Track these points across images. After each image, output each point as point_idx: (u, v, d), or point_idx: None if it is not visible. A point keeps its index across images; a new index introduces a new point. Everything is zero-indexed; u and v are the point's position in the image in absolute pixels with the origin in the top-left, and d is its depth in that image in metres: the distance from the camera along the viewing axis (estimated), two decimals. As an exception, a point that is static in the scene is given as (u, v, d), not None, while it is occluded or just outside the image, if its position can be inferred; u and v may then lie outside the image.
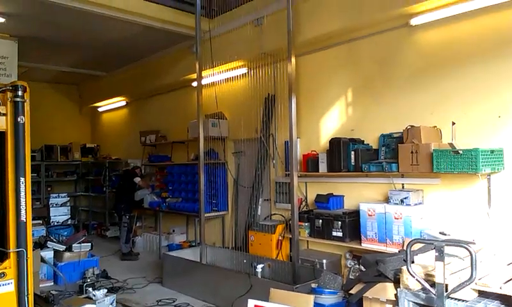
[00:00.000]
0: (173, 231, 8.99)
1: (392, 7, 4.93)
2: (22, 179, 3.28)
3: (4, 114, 3.26)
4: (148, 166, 10.19)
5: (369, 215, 4.93)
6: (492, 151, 4.20)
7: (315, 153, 5.99)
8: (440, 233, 4.46)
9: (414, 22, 4.99)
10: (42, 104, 10.34)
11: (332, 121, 6.12)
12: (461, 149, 4.15)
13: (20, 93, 3.28)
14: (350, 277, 5.15)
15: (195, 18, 6.91)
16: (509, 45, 4.30)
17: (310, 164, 5.89)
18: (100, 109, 12.45)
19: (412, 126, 4.74)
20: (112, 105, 11.82)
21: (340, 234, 5.28)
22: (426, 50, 5.03)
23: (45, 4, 5.98)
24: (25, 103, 3.34)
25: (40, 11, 6.43)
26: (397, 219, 4.66)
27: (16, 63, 7.37)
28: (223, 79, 7.12)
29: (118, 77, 10.69)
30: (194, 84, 7.49)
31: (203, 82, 7.07)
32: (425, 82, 5.00)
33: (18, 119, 3.28)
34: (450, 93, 4.77)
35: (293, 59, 5.29)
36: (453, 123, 4.48)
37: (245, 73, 7.06)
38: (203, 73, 6.93)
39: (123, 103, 11.48)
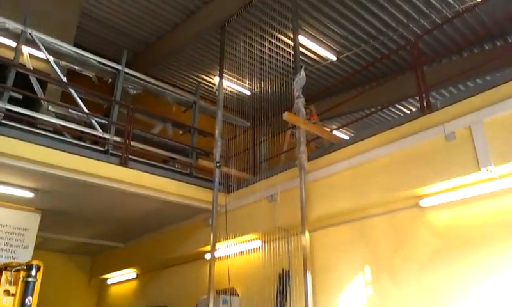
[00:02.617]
0: None
1: (399, 189, 5.14)
2: None
3: (12, 295, 3.17)
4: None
5: None
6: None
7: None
8: None
9: (423, 203, 5.11)
10: (52, 276, 10.10)
11: (350, 301, 5.76)
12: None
13: (33, 272, 3.26)
14: None
15: (213, 193, 7.29)
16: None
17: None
18: (109, 281, 12.10)
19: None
20: (122, 277, 11.52)
21: None
22: (439, 231, 5.01)
23: (72, 181, 6.40)
24: (36, 283, 3.28)
25: (67, 187, 6.83)
26: None
27: (35, 235, 7.54)
28: (236, 252, 7.06)
29: (132, 248, 10.69)
30: (207, 256, 7.41)
31: (217, 254, 7.02)
32: (443, 262, 4.84)
33: (26, 301, 3.17)
34: (466, 274, 4.57)
35: (307, 234, 5.32)
36: None
37: (259, 247, 7.02)
38: (217, 245, 6.93)
39: (134, 275, 11.21)
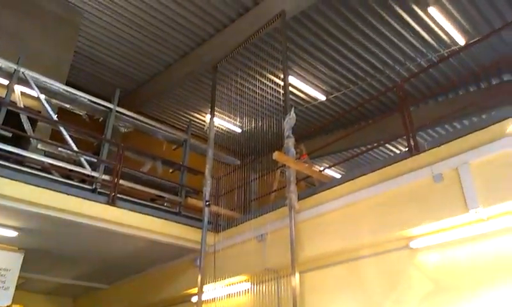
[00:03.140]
0: None
1: (389, 230, 5.12)
2: None
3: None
4: None
5: None
6: None
7: None
8: None
9: (414, 245, 5.08)
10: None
11: (342, 345, 5.59)
12: None
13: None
14: None
15: (201, 233, 7.17)
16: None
17: None
18: (92, 324, 11.62)
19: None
20: (106, 320, 11.08)
21: None
22: (431, 273, 4.95)
23: (58, 221, 6.25)
24: (14, 330, 3.13)
25: (53, 226, 6.65)
26: None
27: (17, 275, 7.25)
28: (224, 295, 6.87)
29: (117, 290, 10.34)
30: (194, 299, 7.20)
31: (204, 297, 6.82)
32: (435, 305, 4.76)
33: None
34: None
35: (297, 276, 5.22)
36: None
37: (248, 289, 6.85)
38: (205, 287, 6.74)
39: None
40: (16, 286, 7.21)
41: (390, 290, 5.28)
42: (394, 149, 14.16)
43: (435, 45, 9.95)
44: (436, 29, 9.50)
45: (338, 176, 8.03)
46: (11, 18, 8.38)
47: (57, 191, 6.07)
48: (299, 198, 6.17)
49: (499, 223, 4.49)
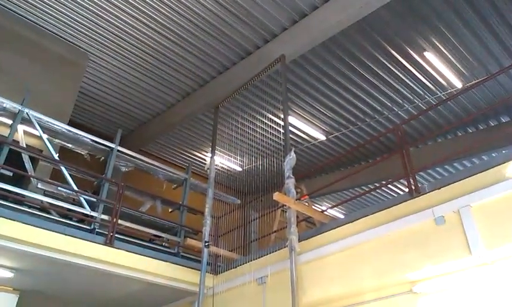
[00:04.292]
0: None
1: (391, 274, 5.02)
2: None
3: None
4: None
5: None
6: None
7: None
8: None
9: (417, 289, 4.96)
10: None
11: None
12: None
13: None
14: None
15: (200, 274, 7.03)
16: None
17: None
18: None
19: None
20: None
21: None
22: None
23: (55, 261, 6.15)
24: None
25: (49, 266, 6.53)
26: None
27: (10, 319, 7.07)
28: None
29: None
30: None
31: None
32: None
33: None
34: None
35: (298, 322, 5.06)
36: None
37: (248, 335, 6.63)
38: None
39: None
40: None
41: (394, 336, 5.12)
42: (396, 189, 14.13)
43: (432, 87, 10.14)
44: (433, 72, 9.72)
45: (339, 215, 7.96)
46: (16, 59, 8.59)
47: (54, 231, 6.01)
48: (300, 239, 6.09)
49: (503, 267, 4.41)
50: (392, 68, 9.65)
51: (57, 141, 7.54)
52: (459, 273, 4.66)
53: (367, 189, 12.00)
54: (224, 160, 11.74)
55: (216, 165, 8.78)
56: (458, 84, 9.85)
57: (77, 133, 7.63)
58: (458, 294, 4.69)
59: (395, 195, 13.87)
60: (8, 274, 6.66)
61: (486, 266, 4.49)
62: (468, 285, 4.63)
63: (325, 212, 7.78)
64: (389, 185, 13.75)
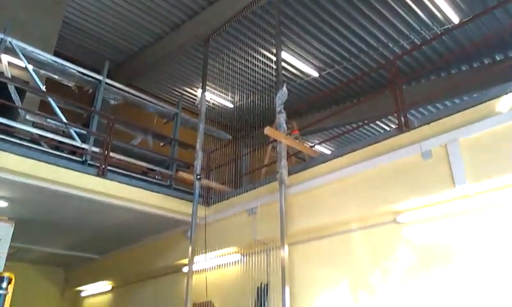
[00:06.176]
0: None
1: (377, 205, 5.22)
2: None
3: (-19, 308, 3.06)
4: None
5: None
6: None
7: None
8: None
9: (400, 219, 5.19)
10: (24, 287, 9.78)
11: (329, 315, 5.77)
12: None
13: (4, 284, 3.16)
14: None
15: (192, 206, 7.23)
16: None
17: None
18: (83, 294, 11.77)
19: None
20: (97, 290, 11.23)
21: None
22: (417, 246, 5.08)
23: (48, 191, 6.25)
24: (6, 296, 3.18)
25: (43, 197, 6.65)
26: None
27: (8, 246, 7.27)
28: (215, 266, 6.99)
29: (108, 260, 10.46)
30: (185, 269, 7.32)
31: (195, 267, 6.94)
32: (420, 278, 4.91)
33: (-5, 315, 3.07)
34: (443, 290, 4.66)
35: (286, 248, 5.32)
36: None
37: (238, 260, 6.98)
38: (196, 258, 6.84)
39: (109, 287, 10.95)
40: (8, 256, 7.25)
41: (376, 262, 5.42)
42: (386, 126, 14.24)
43: (429, 22, 9.89)
44: (431, 6, 9.42)
45: (329, 152, 8.08)
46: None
47: (46, 162, 6.03)
48: (290, 173, 6.22)
49: (485, 199, 4.60)
50: (389, 1, 9.32)
51: (42, 72, 7.33)
52: (442, 205, 4.86)
53: (356, 126, 12.07)
54: (215, 97, 11.62)
55: (207, 101, 8.69)
56: (456, 20, 9.61)
57: (63, 64, 7.40)
58: (440, 224, 4.93)
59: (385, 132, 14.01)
60: (3, 204, 6.79)
61: (468, 198, 4.67)
62: (450, 216, 4.86)
63: (314, 148, 7.89)
64: (379, 123, 13.86)
